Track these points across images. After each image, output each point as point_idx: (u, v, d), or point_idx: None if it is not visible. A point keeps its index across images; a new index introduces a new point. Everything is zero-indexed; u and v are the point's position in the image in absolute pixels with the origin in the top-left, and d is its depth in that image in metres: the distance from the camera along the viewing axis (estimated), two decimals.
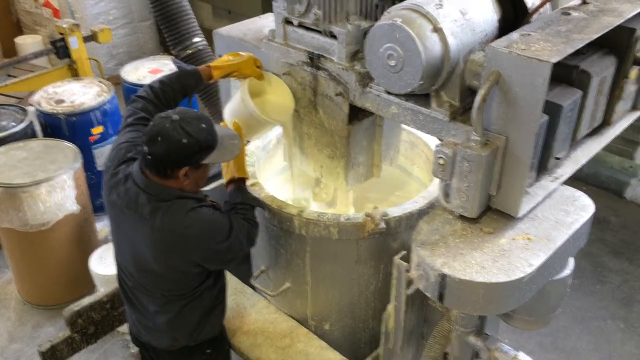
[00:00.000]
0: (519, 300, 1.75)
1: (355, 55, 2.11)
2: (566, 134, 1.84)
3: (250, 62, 2.35)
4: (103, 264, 3.78)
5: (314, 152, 2.45)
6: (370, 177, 2.51)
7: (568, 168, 1.94)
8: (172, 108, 2.17)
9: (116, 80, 5.34)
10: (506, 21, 1.90)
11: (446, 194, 1.84)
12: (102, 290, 2.96)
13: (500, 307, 1.75)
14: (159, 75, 2.69)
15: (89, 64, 5.44)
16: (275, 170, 3.02)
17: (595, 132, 2.04)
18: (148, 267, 2.19)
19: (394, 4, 1.95)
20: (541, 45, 1.60)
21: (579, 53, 1.76)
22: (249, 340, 2.59)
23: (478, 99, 1.64)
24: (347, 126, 2.24)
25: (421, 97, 1.93)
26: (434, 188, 2.45)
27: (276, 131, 2.87)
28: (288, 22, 2.24)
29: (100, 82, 4.86)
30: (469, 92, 1.85)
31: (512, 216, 1.83)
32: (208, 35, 3.42)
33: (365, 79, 2.08)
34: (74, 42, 5.24)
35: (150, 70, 5.35)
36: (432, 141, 2.77)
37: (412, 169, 3.02)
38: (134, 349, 2.60)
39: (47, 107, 4.51)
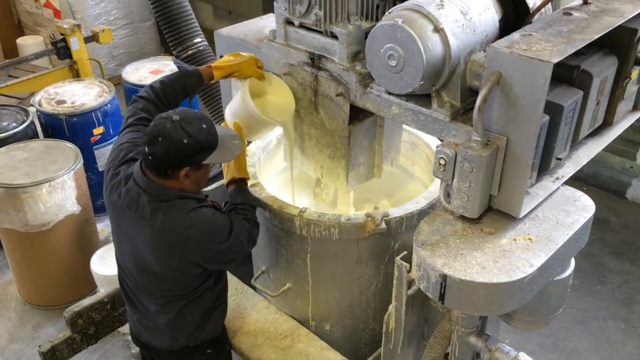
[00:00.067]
0: (520, 300, 1.74)
1: (356, 55, 2.11)
2: (567, 135, 1.84)
3: (251, 63, 2.35)
4: (104, 265, 3.77)
5: (314, 153, 2.45)
6: (371, 178, 2.51)
7: (569, 168, 1.94)
8: (173, 108, 2.17)
9: (117, 81, 5.34)
10: (507, 21, 1.90)
11: (447, 195, 1.85)
12: (103, 291, 2.96)
13: (501, 307, 1.74)
14: (159, 76, 2.69)
15: (90, 65, 5.44)
16: (276, 170, 3.02)
17: (596, 132, 2.03)
18: (148, 267, 2.19)
19: (395, 4, 1.95)
20: (542, 46, 1.60)
21: (580, 53, 1.76)
22: (249, 341, 2.59)
23: (479, 99, 1.64)
24: (347, 126, 2.24)
25: (422, 98, 1.93)
26: (434, 188, 2.45)
27: (277, 132, 2.87)
28: (289, 22, 2.24)
29: (101, 82, 4.85)
30: (470, 93, 1.85)
31: (513, 216, 1.83)
32: (209, 35, 3.42)
33: (366, 80, 2.07)
34: (75, 43, 5.24)
35: (151, 70, 5.35)
36: (433, 141, 2.77)
37: (413, 169, 3.02)
38: (135, 349, 2.60)
39: (48, 108, 4.51)
